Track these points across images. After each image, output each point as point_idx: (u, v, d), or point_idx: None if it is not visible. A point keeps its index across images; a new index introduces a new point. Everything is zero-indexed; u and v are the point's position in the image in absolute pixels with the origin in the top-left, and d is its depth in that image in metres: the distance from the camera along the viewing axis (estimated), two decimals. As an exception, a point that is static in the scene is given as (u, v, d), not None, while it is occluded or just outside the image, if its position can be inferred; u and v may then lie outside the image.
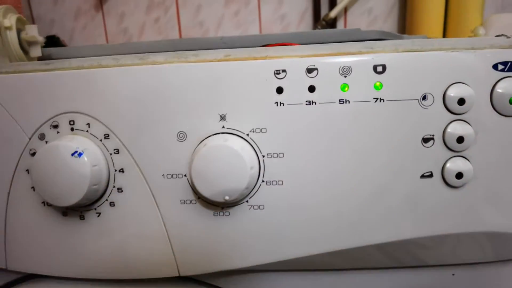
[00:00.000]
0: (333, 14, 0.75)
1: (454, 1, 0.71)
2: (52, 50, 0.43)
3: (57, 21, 0.89)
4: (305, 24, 0.81)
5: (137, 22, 0.87)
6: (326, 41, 0.38)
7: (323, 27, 0.76)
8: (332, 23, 0.77)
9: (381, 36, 0.41)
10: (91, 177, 0.24)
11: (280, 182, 0.24)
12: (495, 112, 0.23)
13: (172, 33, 0.86)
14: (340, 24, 0.80)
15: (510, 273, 0.27)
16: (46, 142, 0.25)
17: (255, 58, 0.24)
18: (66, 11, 0.88)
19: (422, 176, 0.23)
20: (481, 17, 0.70)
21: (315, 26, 0.79)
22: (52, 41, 0.84)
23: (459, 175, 0.23)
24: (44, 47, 0.41)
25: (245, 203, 0.24)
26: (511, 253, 0.26)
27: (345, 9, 0.79)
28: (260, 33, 0.83)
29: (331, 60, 0.23)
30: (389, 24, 0.80)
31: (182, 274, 0.26)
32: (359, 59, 0.23)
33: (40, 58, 0.38)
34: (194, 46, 0.41)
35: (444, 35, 0.71)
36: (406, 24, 0.77)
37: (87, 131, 0.25)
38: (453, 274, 0.27)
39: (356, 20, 0.80)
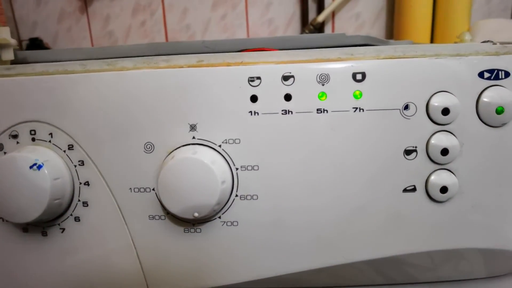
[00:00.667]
0: (320, 18, 0.74)
1: (441, 6, 0.71)
2: (27, 53, 0.41)
3: (40, 23, 0.87)
4: (293, 28, 0.80)
5: (122, 25, 0.85)
6: (311, 46, 0.37)
7: (311, 32, 0.76)
8: (319, 28, 0.76)
9: (367, 42, 0.40)
10: (52, 191, 0.22)
11: (254, 197, 0.23)
12: (481, 123, 0.22)
13: (158, 36, 0.85)
14: (328, 29, 0.79)
15: (497, 290, 0.26)
16: (5, 153, 0.24)
17: (229, 64, 0.22)
18: (49, 13, 0.86)
19: (405, 190, 0.22)
20: (468, 22, 0.70)
21: (302, 31, 0.78)
22: (35, 44, 0.82)
23: (444, 189, 0.22)
24: (27, 49, 0.39)
25: (218, 219, 0.23)
26: (500, 269, 0.25)
27: (333, 14, 0.78)
28: (248, 37, 0.83)
29: (308, 67, 0.22)
30: (377, 28, 0.79)
31: (152, 294, 0.25)
32: (338, 66, 0.21)
33: (13, 62, 0.36)
34: (176, 49, 0.40)
35: (431, 40, 0.71)
36: (393, 29, 0.76)
37: (50, 141, 0.24)
38: (438, 292, 0.26)
39: (344, 24, 0.79)
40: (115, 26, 0.86)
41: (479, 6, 0.77)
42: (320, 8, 0.76)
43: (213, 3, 0.81)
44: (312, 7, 0.78)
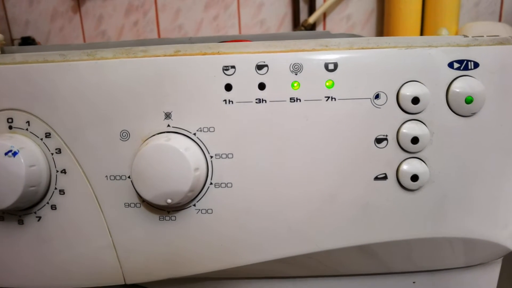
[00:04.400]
0: (312, 19, 0.75)
1: (430, 9, 0.71)
2: (15, 49, 0.41)
3: (33, 22, 0.87)
4: (285, 29, 0.81)
5: (115, 24, 0.85)
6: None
7: (302, 32, 0.76)
8: (311, 29, 0.77)
9: (351, 39, 0.40)
10: (27, 177, 0.22)
11: (229, 185, 0.23)
12: (452, 112, 0.22)
13: (151, 36, 0.85)
14: (319, 30, 0.80)
15: (470, 279, 0.26)
16: (-18, 141, 0.24)
17: (205, 54, 0.23)
18: (42, 12, 0.86)
19: (376, 178, 0.22)
20: (456, 25, 0.71)
21: (294, 31, 0.78)
22: (27, 43, 0.82)
23: (415, 177, 0.22)
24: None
25: (192, 207, 0.23)
26: (471, 259, 0.25)
27: (324, 15, 0.79)
28: (239, 34, 0.83)
29: (281, 56, 0.22)
30: (367, 30, 0.80)
31: (128, 282, 0.25)
32: (310, 56, 0.22)
33: None
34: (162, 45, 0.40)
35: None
36: (383, 30, 0.77)
37: (27, 129, 0.24)
38: (413, 282, 0.26)
39: (335, 26, 0.80)
40: (108, 26, 0.86)
41: (467, 9, 0.78)
42: (312, 9, 0.77)
43: (206, 4, 0.81)
44: (303, 8, 0.78)
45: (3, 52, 0.38)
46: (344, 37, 0.40)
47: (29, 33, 0.87)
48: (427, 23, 0.72)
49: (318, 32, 0.40)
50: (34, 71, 0.24)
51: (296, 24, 0.77)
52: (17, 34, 0.87)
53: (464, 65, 0.22)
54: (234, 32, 0.83)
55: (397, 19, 0.72)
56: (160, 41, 0.43)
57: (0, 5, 0.87)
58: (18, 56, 0.25)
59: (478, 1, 0.78)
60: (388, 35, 0.74)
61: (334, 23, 0.80)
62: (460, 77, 0.22)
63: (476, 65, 0.22)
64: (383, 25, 0.77)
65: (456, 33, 0.70)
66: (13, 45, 0.85)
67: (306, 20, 0.75)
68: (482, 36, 0.24)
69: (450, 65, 0.22)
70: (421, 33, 0.73)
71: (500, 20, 0.79)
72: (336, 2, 0.76)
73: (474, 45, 0.22)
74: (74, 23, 0.86)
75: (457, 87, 0.22)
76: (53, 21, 0.87)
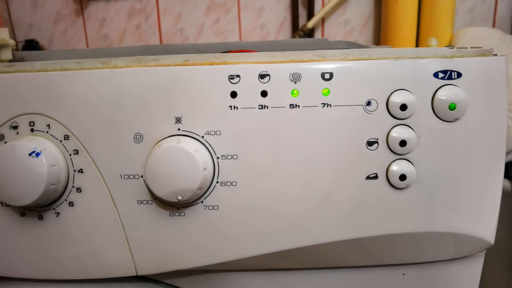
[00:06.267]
0: (310, 24, 0.77)
1: (426, 14, 0.73)
2: (24, 53, 0.43)
3: (36, 25, 0.89)
4: (284, 33, 0.82)
5: (118, 28, 0.87)
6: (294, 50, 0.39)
7: (301, 37, 0.78)
8: (309, 33, 0.79)
9: (347, 46, 0.42)
10: (49, 176, 0.24)
11: (234, 183, 0.25)
12: (437, 118, 0.24)
13: (152, 39, 0.87)
14: (317, 34, 0.82)
15: (456, 270, 0.28)
16: (6, 142, 0.26)
17: (212, 63, 0.25)
18: (45, 15, 0.88)
19: (368, 178, 0.24)
20: (451, 30, 0.73)
21: (293, 36, 0.80)
22: (31, 45, 0.84)
23: (403, 177, 0.24)
24: (23, 51, 0.41)
25: (200, 203, 0.25)
26: (457, 253, 0.27)
27: (323, 20, 0.81)
28: (240, 41, 0.85)
29: (282, 66, 0.24)
30: (365, 35, 0.82)
31: (140, 273, 0.27)
32: (308, 66, 0.24)
33: (11, 61, 0.38)
34: (167, 51, 0.42)
35: (416, 46, 0.74)
36: (380, 35, 0.79)
37: (47, 132, 0.26)
38: (403, 274, 0.28)
39: (333, 31, 0.82)
40: (110, 29, 0.88)
41: (462, 15, 0.80)
42: (310, 14, 0.79)
43: (207, 8, 0.83)
44: (302, 13, 0.80)
45: (13, 56, 0.40)
46: (341, 45, 0.42)
47: (32, 36, 0.88)
48: (423, 28, 0.74)
49: (316, 40, 0.43)
50: (53, 78, 0.26)
51: (295, 28, 0.79)
52: (21, 37, 0.89)
53: (448, 75, 0.24)
54: (234, 36, 0.84)
55: (394, 24, 0.74)
56: (164, 47, 0.45)
57: (4, 8, 0.89)
58: (37, 64, 0.27)
59: (473, 6, 0.80)
60: (385, 39, 0.76)
61: (332, 28, 0.82)
62: (444, 85, 0.24)
63: (459, 75, 0.24)
64: (380, 30, 0.79)
65: (451, 38, 0.73)
66: (17, 47, 0.86)
67: (305, 25, 0.77)
68: (466, 48, 0.26)
69: (435, 75, 0.24)
70: (417, 38, 0.75)
71: (494, 25, 0.81)
72: (334, 7, 0.78)
73: (458, 56, 0.25)
74: (77, 26, 0.88)
75: (442, 95, 0.24)
76: (56, 24, 0.88)
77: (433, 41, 0.33)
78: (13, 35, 0.88)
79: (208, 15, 0.84)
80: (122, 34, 0.88)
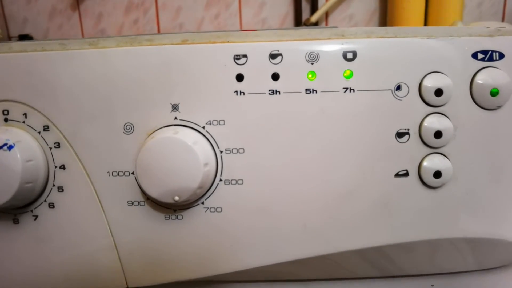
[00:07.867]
0: (314, 18, 0.74)
1: (433, 10, 0.71)
2: (12, 44, 0.40)
3: (31, 20, 0.86)
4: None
5: (115, 23, 0.84)
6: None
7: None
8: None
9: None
10: (24, 173, 0.21)
11: (240, 181, 0.22)
12: (475, 105, 0.21)
13: (150, 35, 0.84)
14: (322, 29, 0.79)
15: (492, 283, 0.25)
16: (-25, 134, 0.22)
17: (215, 42, 0.21)
18: (40, 10, 0.85)
19: (397, 175, 0.21)
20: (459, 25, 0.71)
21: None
22: (25, 40, 0.81)
23: (437, 174, 0.21)
24: None
25: (201, 205, 0.22)
26: (493, 262, 0.24)
27: (326, 14, 0.78)
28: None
29: (297, 45, 0.21)
30: (370, 30, 0.79)
31: (131, 285, 0.23)
32: (328, 45, 0.21)
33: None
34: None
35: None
36: (387, 30, 0.76)
37: (24, 122, 0.23)
38: (432, 285, 0.25)
39: (337, 25, 0.79)
40: (107, 24, 0.85)
41: (471, 10, 0.78)
42: (314, 8, 0.76)
43: (207, 3, 0.81)
44: (306, 7, 0.78)
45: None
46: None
47: (27, 30, 0.86)
48: (430, 23, 0.71)
49: (326, 28, 0.39)
50: (33, 61, 0.22)
51: (298, 23, 0.77)
52: (15, 31, 0.86)
53: (488, 56, 0.21)
54: (235, 31, 0.82)
55: (400, 19, 0.72)
56: (163, 35, 0.42)
57: (-3, 2, 0.86)
58: (15, 45, 0.24)
59: (481, 1, 0.77)
60: (391, 35, 0.74)
61: (336, 23, 0.79)
62: (484, 68, 0.21)
63: (501, 56, 0.21)
64: (386, 25, 0.76)
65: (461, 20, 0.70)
66: (9, 39, 0.83)
67: (308, 19, 0.74)
68: (504, 27, 0.23)
69: (474, 55, 0.21)
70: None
71: (503, 20, 0.78)
72: (338, 1, 0.76)
73: (498, 35, 0.21)
74: (73, 21, 0.85)
75: (481, 78, 0.21)
76: (51, 19, 0.85)
77: (459, 24, 0.30)
78: (6, 30, 0.86)
79: (208, 9, 0.81)
80: (120, 29, 0.85)
